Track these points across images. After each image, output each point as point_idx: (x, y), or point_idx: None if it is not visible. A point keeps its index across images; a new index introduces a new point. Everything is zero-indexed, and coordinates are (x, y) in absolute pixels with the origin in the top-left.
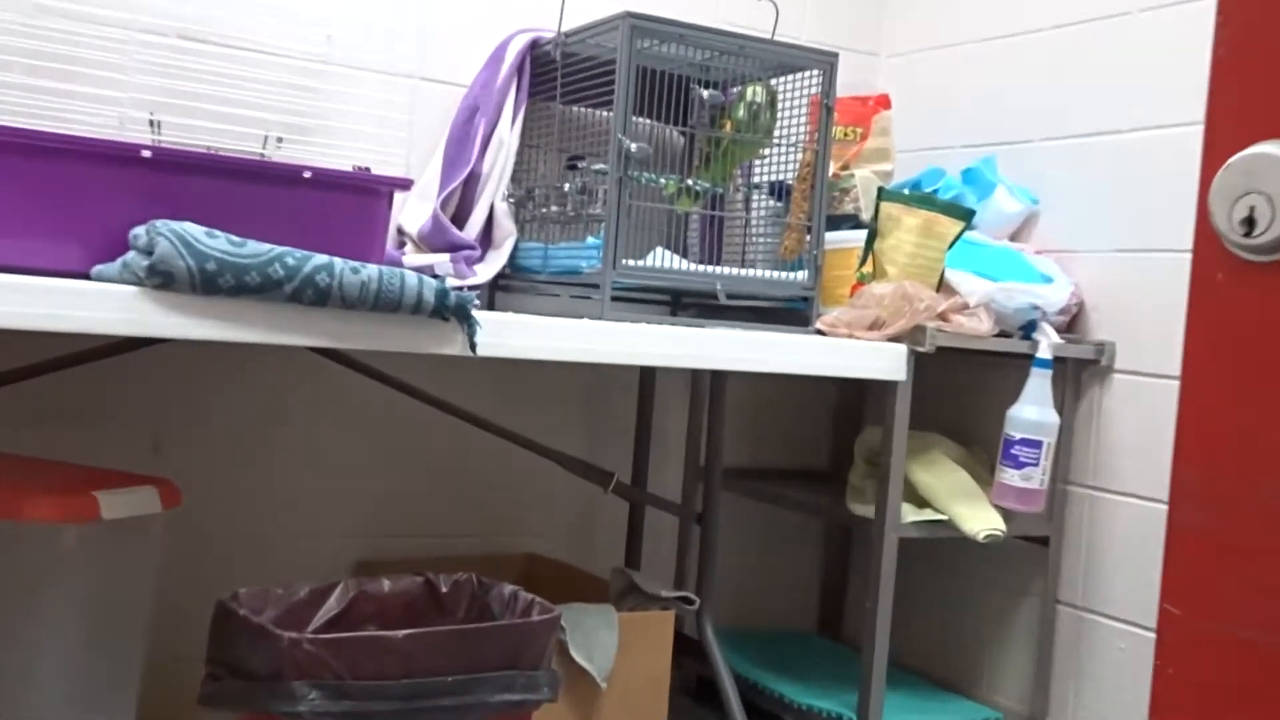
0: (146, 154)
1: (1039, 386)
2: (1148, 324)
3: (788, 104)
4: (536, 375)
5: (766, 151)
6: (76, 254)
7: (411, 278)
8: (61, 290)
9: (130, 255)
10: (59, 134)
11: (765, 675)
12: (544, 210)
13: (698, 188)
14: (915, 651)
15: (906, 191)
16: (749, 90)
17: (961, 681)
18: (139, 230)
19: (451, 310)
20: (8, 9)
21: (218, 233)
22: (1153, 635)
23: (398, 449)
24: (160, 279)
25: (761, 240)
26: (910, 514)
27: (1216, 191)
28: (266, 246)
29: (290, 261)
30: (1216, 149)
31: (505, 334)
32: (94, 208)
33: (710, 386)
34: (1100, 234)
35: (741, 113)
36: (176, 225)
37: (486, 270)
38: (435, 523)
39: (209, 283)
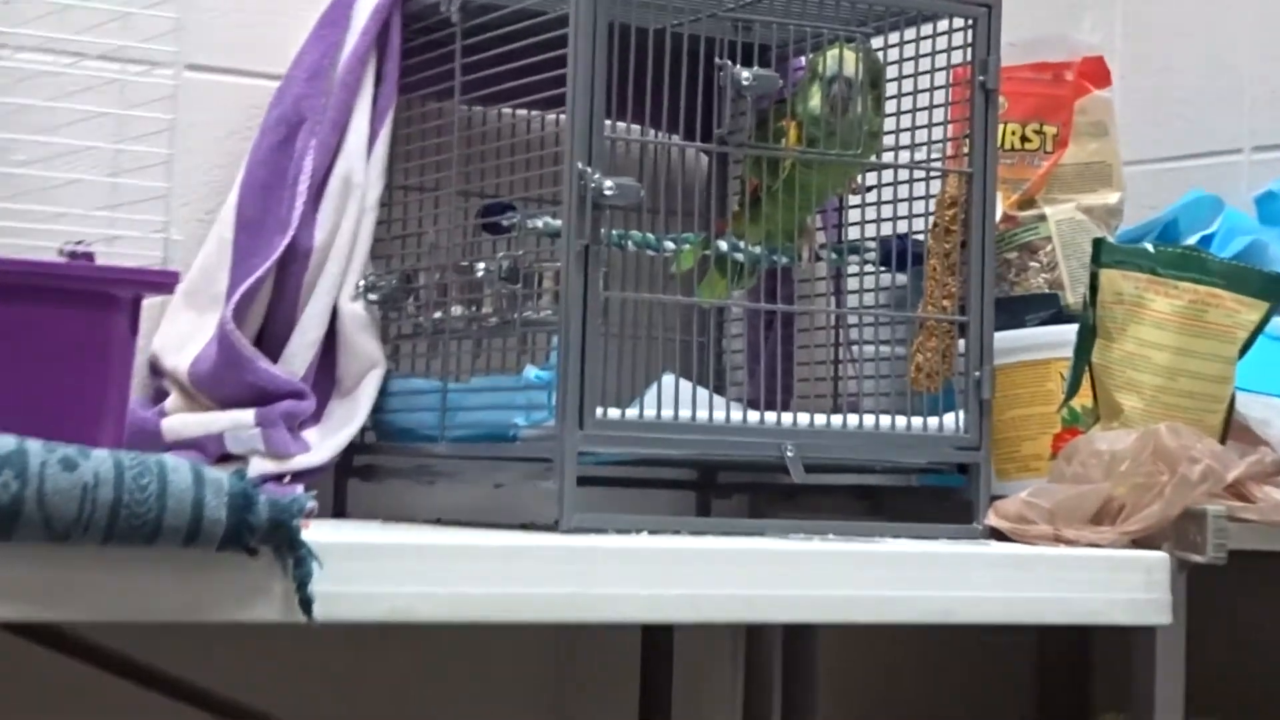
0: None
1: None
2: None
3: (907, 86)
4: (446, 643)
5: (869, 179)
6: None
7: (180, 471)
8: None
9: None
10: None
11: None
12: (438, 316)
13: (739, 256)
14: None
15: (1150, 246)
16: (827, 59)
17: None
18: None
19: (261, 534)
20: None
21: None
22: None
23: None
24: None
25: (870, 353)
26: None
27: None
28: None
29: None
30: None
31: (367, 575)
32: None
33: (784, 651)
34: None
35: (815, 103)
36: None
37: (328, 441)
38: None
39: None
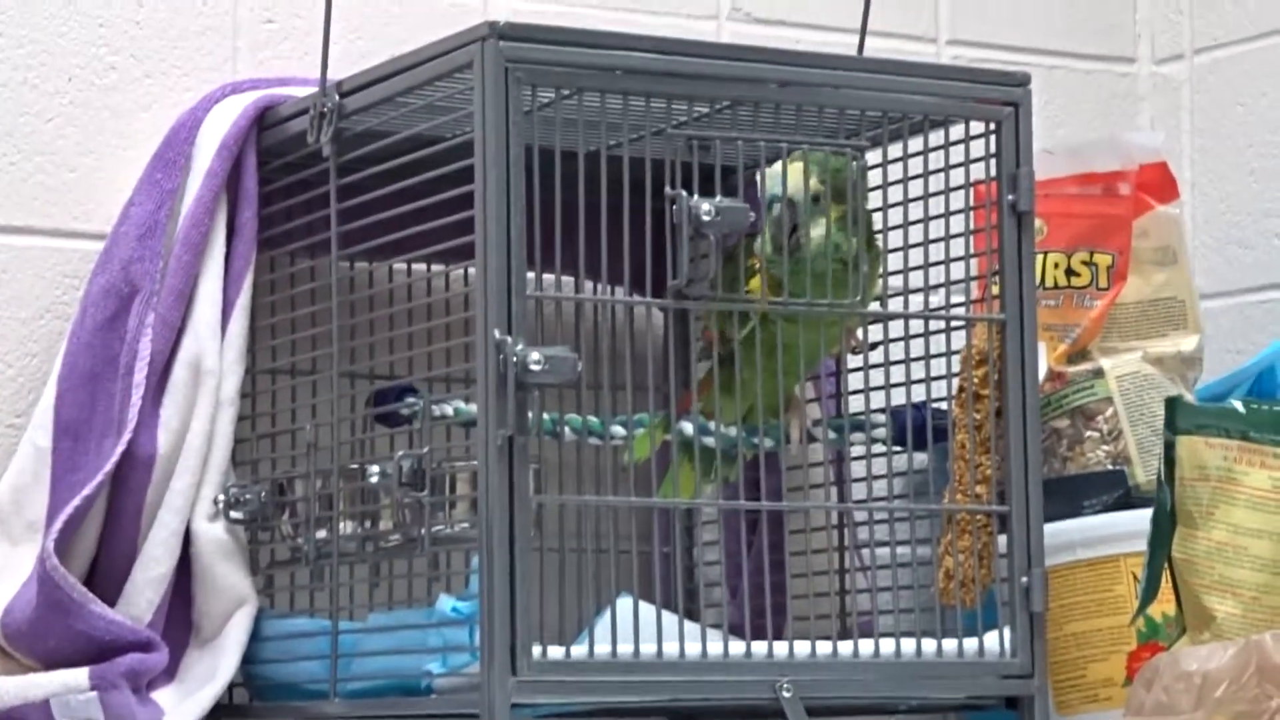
0: None
1: None
2: None
3: (915, 212)
4: None
5: (873, 334)
6: None
7: None
8: None
9: None
10: None
11: None
12: (322, 535)
13: (709, 440)
14: None
15: (1239, 404)
16: (808, 173)
17: None
18: None
19: None
20: None
21: None
22: None
23: None
24: None
25: (885, 559)
26: None
27: None
28: None
29: None
30: None
31: None
32: None
33: None
34: None
35: (769, 237)
36: None
37: (186, 703)
38: None
39: None
